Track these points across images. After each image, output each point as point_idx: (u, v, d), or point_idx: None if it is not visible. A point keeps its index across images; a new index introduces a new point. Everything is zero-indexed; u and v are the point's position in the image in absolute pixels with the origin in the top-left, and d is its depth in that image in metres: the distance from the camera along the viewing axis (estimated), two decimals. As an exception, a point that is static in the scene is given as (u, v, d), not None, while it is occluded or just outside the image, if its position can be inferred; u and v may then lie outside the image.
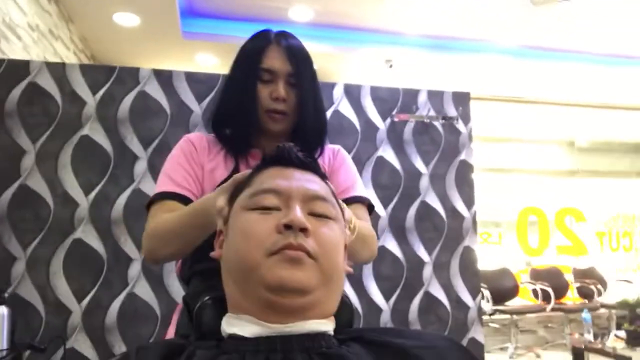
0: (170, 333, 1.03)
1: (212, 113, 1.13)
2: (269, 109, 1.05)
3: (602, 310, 5.25)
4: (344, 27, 4.24)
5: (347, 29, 4.27)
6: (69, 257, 2.17)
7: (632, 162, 6.66)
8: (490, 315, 4.83)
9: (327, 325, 0.64)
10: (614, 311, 5.11)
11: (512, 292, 5.23)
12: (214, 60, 4.74)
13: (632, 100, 6.23)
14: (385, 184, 2.60)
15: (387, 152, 2.64)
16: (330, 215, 0.68)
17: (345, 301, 0.71)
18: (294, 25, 4.13)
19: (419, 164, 2.68)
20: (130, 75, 2.41)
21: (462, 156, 2.77)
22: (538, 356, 4.77)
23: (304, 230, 0.62)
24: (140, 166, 2.33)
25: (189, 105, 2.45)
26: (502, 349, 4.95)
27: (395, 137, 2.66)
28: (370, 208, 1.13)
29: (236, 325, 0.62)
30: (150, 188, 2.32)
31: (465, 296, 2.67)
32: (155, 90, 2.42)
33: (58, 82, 2.32)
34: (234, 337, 0.62)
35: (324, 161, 1.14)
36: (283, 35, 1.08)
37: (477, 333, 2.67)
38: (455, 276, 2.66)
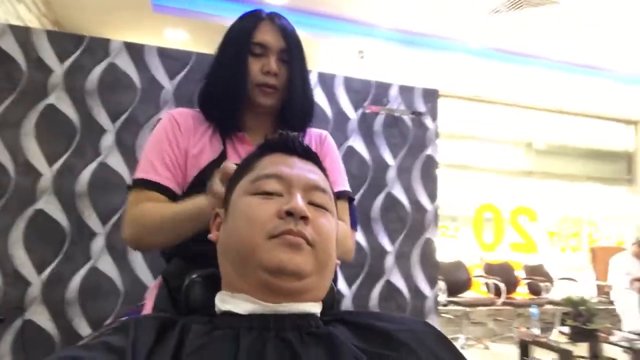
0: (148, 307, 1.03)
1: (200, 92, 1.10)
2: (260, 83, 1.04)
3: (548, 306, 5.51)
4: (319, 13, 4.24)
5: (321, 16, 4.28)
6: (29, 228, 2.11)
7: (583, 166, 6.97)
8: (444, 306, 4.99)
9: (316, 308, 0.67)
10: (558, 307, 5.37)
11: (466, 284, 5.42)
12: (184, 36, 4.64)
13: (587, 107, 6.52)
14: (354, 174, 2.64)
15: (357, 143, 2.68)
16: (328, 207, 0.71)
17: (331, 286, 0.73)
18: (269, 7, 4.09)
19: (387, 156, 2.74)
20: (100, 46, 2.34)
21: (429, 151, 2.84)
22: (487, 347, 4.97)
23: (304, 218, 0.64)
24: (107, 140, 2.29)
25: (160, 81, 2.41)
26: (453, 339, 5.12)
27: (365, 128, 2.70)
28: (350, 199, 1.16)
29: (231, 303, 0.64)
30: (117, 163, 2.28)
31: (424, 286, 2.76)
32: (125, 64, 2.37)
33: (23, 47, 2.24)
34: (227, 314, 0.64)
35: (310, 145, 1.14)
36: (276, 14, 1.09)
37: (432, 322, 2.76)
38: (415, 266, 2.75)
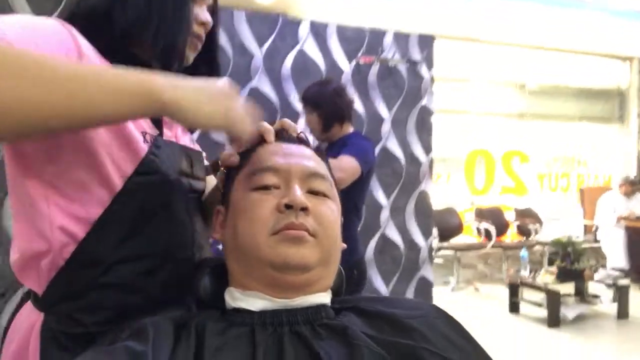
0: None
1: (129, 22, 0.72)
2: (195, 34, 0.81)
3: (537, 247, 5.64)
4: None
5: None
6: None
7: (576, 106, 6.92)
8: (436, 251, 5.08)
9: (326, 297, 0.68)
10: (546, 248, 5.50)
11: (457, 230, 5.50)
12: None
13: (581, 44, 6.37)
14: (348, 128, 2.59)
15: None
16: (328, 194, 0.70)
17: (338, 270, 0.74)
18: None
19: (382, 109, 2.67)
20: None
21: (424, 102, 2.78)
22: (477, 289, 5.11)
23: (304, 209, 0.64)
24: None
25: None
26: (445, 282, 5.26)
27: (360, 80, 2.63)
28: None
29: (242, 300, 0.65)
30: None
31: (418, 238, 2.78)
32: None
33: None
34: (239, 310, 0.64)
35: None
36: None
37: (426, 271, 2.81)
38: (410, 219, 2.76)
